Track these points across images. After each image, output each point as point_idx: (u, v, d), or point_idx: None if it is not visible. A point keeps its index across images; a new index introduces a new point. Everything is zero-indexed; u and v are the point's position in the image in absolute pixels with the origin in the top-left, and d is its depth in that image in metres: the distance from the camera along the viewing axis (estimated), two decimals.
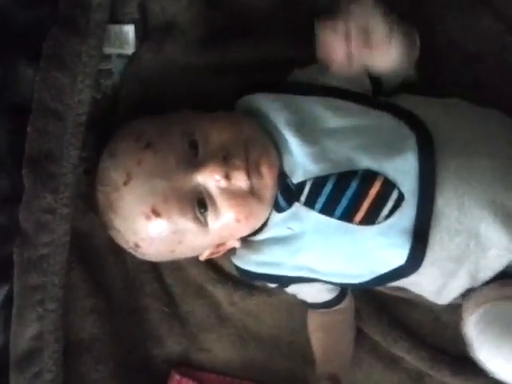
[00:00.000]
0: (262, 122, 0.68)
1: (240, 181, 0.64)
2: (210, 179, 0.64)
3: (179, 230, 0.66)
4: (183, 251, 0.70)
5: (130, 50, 0.70)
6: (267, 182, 0.65)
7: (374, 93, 0.70)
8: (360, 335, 0.80)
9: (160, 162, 0.64)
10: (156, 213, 0.65)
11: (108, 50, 0.69)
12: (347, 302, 0.76)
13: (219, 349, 0.81)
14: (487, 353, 0.66)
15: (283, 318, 0.80)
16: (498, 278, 0.67)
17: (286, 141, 0.67)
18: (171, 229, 0.66)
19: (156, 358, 0.81)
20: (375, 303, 0.78)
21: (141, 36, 0.70)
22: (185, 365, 0.82)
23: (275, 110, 0.68)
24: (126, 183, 0.65)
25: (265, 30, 0.75)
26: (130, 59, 0.71)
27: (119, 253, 0.74)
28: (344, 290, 0.75)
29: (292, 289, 0.75)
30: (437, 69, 0.70)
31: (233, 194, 0.64)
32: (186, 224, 0.65)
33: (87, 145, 0.71)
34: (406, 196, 0.63)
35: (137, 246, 0.69)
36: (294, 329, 0.80)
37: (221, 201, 0.64)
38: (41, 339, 0.70)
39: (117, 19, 0.68)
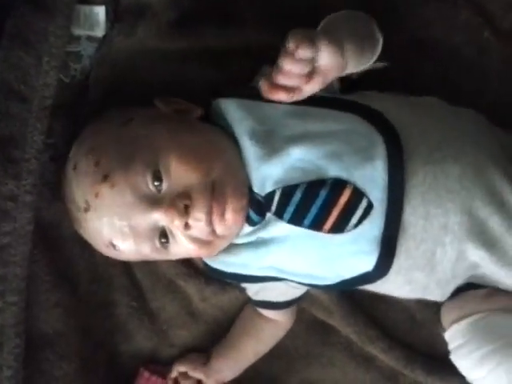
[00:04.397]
0: (230, 128, 0.67)
1: (200, 230, 0.63)
2: (169, 223, 0.63)
3: (140, 254, 0.67)
4: (153, 259, 0.71)
5: (100, 32, 0.68)
6: (230, 225, 0.64)
7: (342, 85, 0.68)
8: (334, 334, 0.79)
9: (118, 198, 0.63)
10: (114, 246, 0.66)
11: (77, 32, 0.68)
12: (288, 315, 0.77)
13: (190, 345, 0.79)
14: (471, 362, 0.66)
15: None
16: (475, 286, 0.67)
17: (248, 153, 0.65)
18: (132, 255, 0.67)
19: (124, 354, 0.80)
20: (351, 302, 0.77)
21: (112, 18, 0.69)
22: (154, 361, 0.80)
23: (239, 119, 0.66)
24: (85, 210, 0.65)
25: (242, 14, 0.73)
26: (101, 42, 0.69)
27: (86, 244, 0.72)
28: (293, 301, 0.75)
29: (256, 287, 0.74)
30: (415, 60, 0.69)
31: (193, 238, 0.64)
32: (146, 252, 0.66)
33: (54, 131, 0.69)
34: (374, 204, 0.63)
35: (106, 255, 0.70)
36: None
37: (181, 240, 0.64)
38: (0, 333, 0.67)
39: None
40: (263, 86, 0.60)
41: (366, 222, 0.63)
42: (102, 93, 0.71)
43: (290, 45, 0.57)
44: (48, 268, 0.73)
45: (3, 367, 0.68)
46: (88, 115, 0.71)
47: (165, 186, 0.63)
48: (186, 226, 0.62)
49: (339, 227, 0.64)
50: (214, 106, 0.69)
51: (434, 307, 0.75)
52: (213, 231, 0.64)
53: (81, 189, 0.65)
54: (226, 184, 0.64)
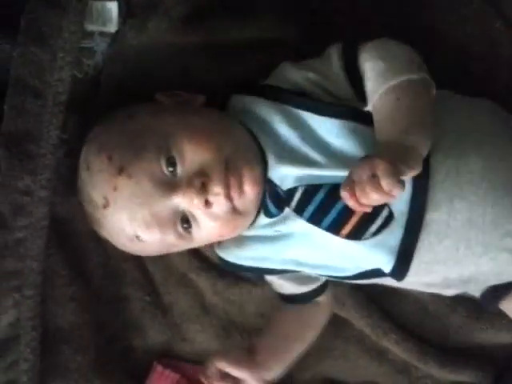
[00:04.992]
0: (259, 127, 0.66)
1: (221, 206, 0.63)
2: (189, 204, 0.63)
3: (165, 245, 0.67)
4: (175, 251, 0.71)
5: (112, 27, 0.68)
6: (250, 197, 0.64)
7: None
8: (347, 327, 0.79)
9: (136, 188, 0.63)
10: (138, 237, 0.65)
11: (90, 28, 0.68)
12: (324, 299, 0.75)
13: (203, 339, 0.80)
14: None
15: (267, 309, 0.78)
16: None
17: (284, 153, 0.65)
18: (156, 246, 0.67)
19: (137, 348, 0.80)
20: (364, 295, 0.77)
21: (124, 13, 0.68)
22: (167, 355, 0.80)
23: (277, 120, 0.66)
24: (105, 206, 0.65)
25: (254, 8, 0.73)
26: (113, 37, 0.69)
27: (100, 239, 0.72)
28: (323, 286, 0.74)
29: (272, 278, 0.74)
30: (426, 51, 0.68)
31: (214, 216, 0.64)
32: (171, 240, 0.66)
33: (68, 127, 0.69)
34: (395, 215, 0.63)
35: (129, 251, 0.70)
36: None
37: (203, 219, 0.64)
38: (17, 326, 0.68)
39: None
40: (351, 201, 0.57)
41: (384, 232, 0.63)
42: (114, 88, 0.71)
43: (385, 187, 0.55)
44: (63, 262, 0.73)
45: (20, 360, 0.68)
46: (100, 111, 0.71)
47: (179, 169, 0.63)
48: (207, 203, 0.62)
49: (357, 234, 0.64)
50: (235, 101, 0.69)
51: (447, 299, 0.75)
52: (233, 207, 0.64)
53: (97, 186, 0.65)
54: (239, 157, 0.64)
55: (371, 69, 0.64)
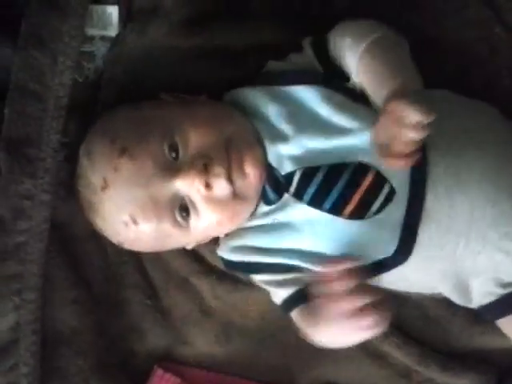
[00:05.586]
0: (249, 114, 0.67)
1: (222, 188, 0.63)
2: (190, 188, 0.63)
3: (160, 234, 0.66)
4: (170, 246, 0.70)
5: (113, 31, 0.69)
6: (251, 180, 0.64)
7: None
8: None
9: (137, 169, 0.63)
10: (135, 221, 0.65)
11: (91, 32, 0.68)
12: None
13: (203, 343, 0.80)
14: None
15: (267, 312, 0.78)
16: None
17: (277, 131, 0.65)
18: (152, 234, 0.66)
19: (138, 351, 0.80)
20: None
21: (125, 18, 0.69)
22: (168, 359, 0.80)
23: (265, 102, 0.67)
24: (103, 189, 0.64)
25: (254, 12, 0.73)
26: (114, 41, 0.70)
27: (100, 243, 0.73)
28: None
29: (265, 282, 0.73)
30: (425, 57, 0.69)
31: (215, 201, 0.64)
32: (166, 229, 0.65)
33: (69, 130, 0.70)
34: (397, 191, 0.63)
35: (120, 243, 0.69)
36: (278, 322, 0.78)
37: (203, 207, 0.64)
38: (17, 330, 0.68)
39: None
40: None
41: (387, 209, 0.63)
42: (114, 92, 0.72)
43: (415, 117, 0.54)
44: (63, 266, 0.73)
45: (20, 364, 0.69)
46: (101, 115, 0.71)
47: (182, 154, 0.63)
48: (207, 186, 0.62)
49: (360, 213, 0.64)
50: (226, 97, 0.70)
51: (447, 303, 0.75)
52: (233, 191, 0.63)
53: (97, 168, 0.65)
54: (240, 139, 0.64)
55: (341, 48, 0.66)
